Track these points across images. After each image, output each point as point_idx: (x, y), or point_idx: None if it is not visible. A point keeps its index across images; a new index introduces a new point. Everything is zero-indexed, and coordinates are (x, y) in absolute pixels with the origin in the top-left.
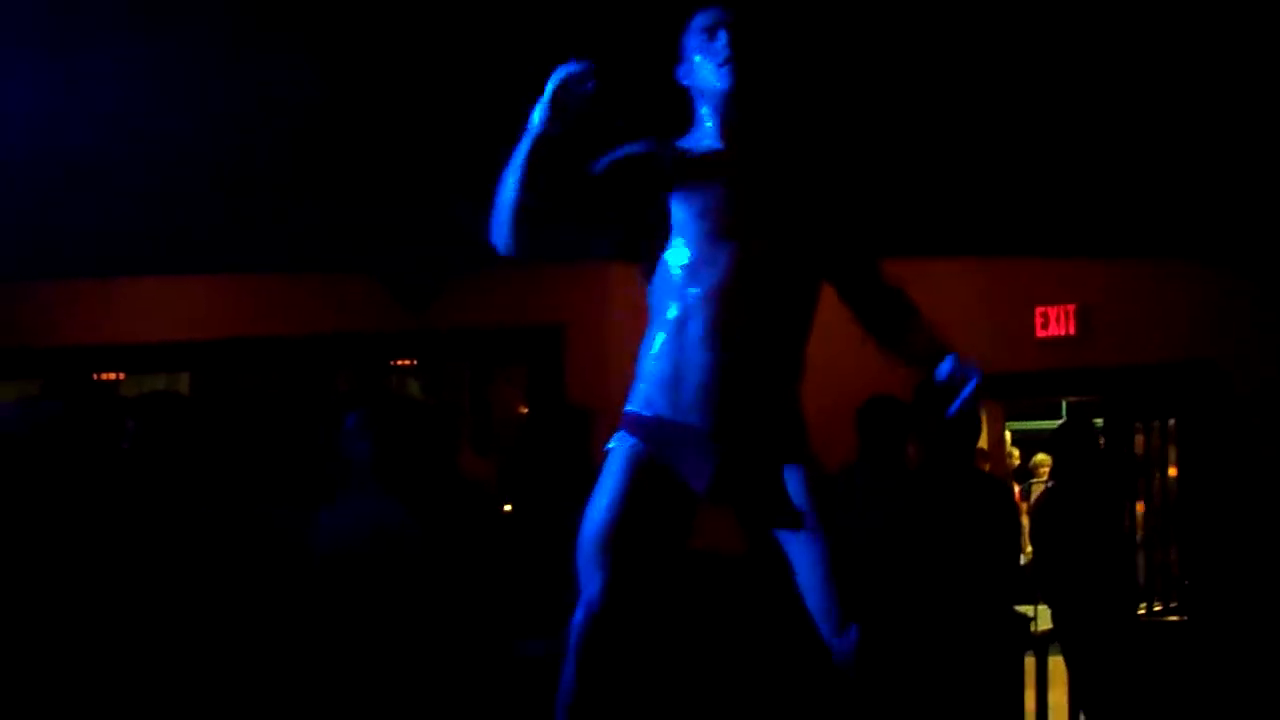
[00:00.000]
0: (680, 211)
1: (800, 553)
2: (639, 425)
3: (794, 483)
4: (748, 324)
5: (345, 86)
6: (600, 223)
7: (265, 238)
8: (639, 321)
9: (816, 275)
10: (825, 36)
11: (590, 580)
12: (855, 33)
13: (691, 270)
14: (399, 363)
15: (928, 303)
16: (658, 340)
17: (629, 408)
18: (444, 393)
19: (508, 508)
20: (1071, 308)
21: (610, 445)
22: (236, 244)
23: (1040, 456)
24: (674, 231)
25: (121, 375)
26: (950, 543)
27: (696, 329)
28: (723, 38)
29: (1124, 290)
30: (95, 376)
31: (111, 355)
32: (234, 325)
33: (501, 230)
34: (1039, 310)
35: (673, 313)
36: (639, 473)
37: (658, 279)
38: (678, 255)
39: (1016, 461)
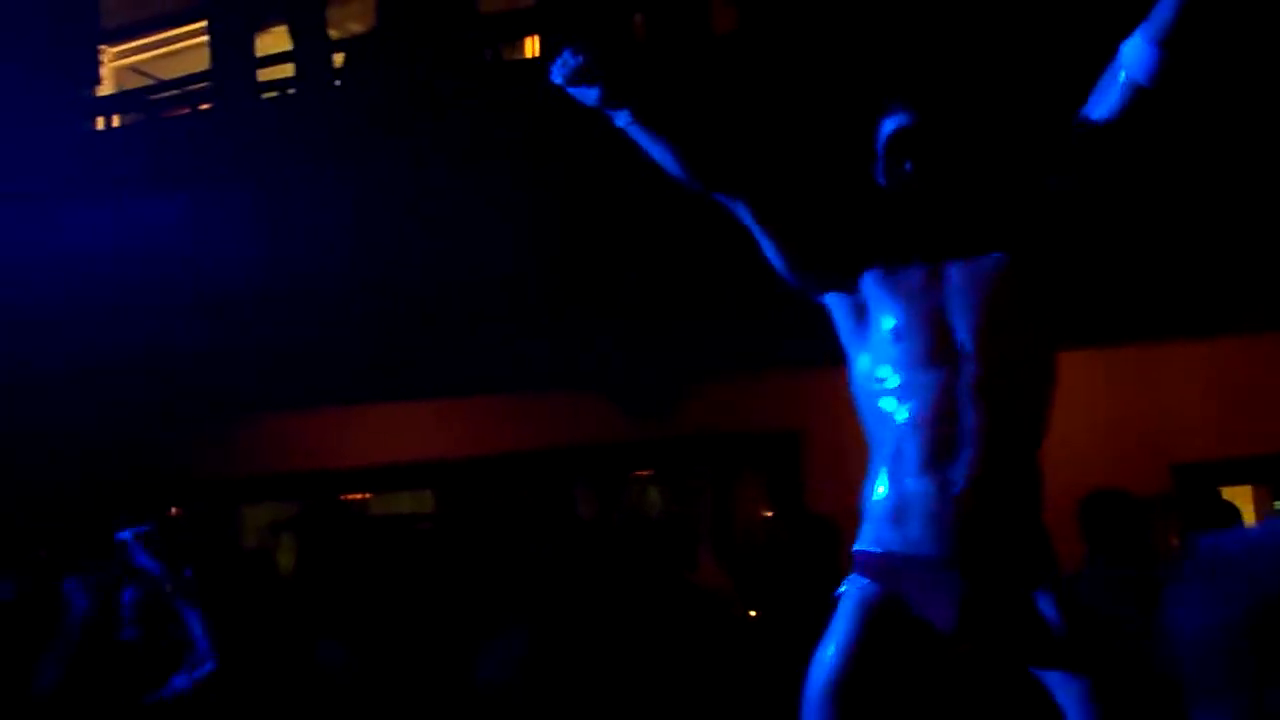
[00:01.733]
0: (876, 321)
1: (1066, 690)
2: (869, 564)
3: (1047, 609)
4: (971, 444)
5: (574, 209)
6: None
7: (500, 360)
8: None
9: (1047, 359)
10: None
11: None
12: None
13: (900, 395)
14: (639, 473)
15: (1184, 385)
16: (879, 474)
17: (857, 546)
18: (685, 502)
19: (752, 614)
20: None
21: (840, 589)
22: (472, 367)
23: None
24: (869, 340)
25: (368, 495)
26: (1211, 653)
27: (914, 456)
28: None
29: None
30: (342, 498)
31: (357, 477)
32: (473, 444)
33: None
34: None
35: (888, 444)
36: (872, 616)
37: (863, 402)
38: (880, 376)
39: None
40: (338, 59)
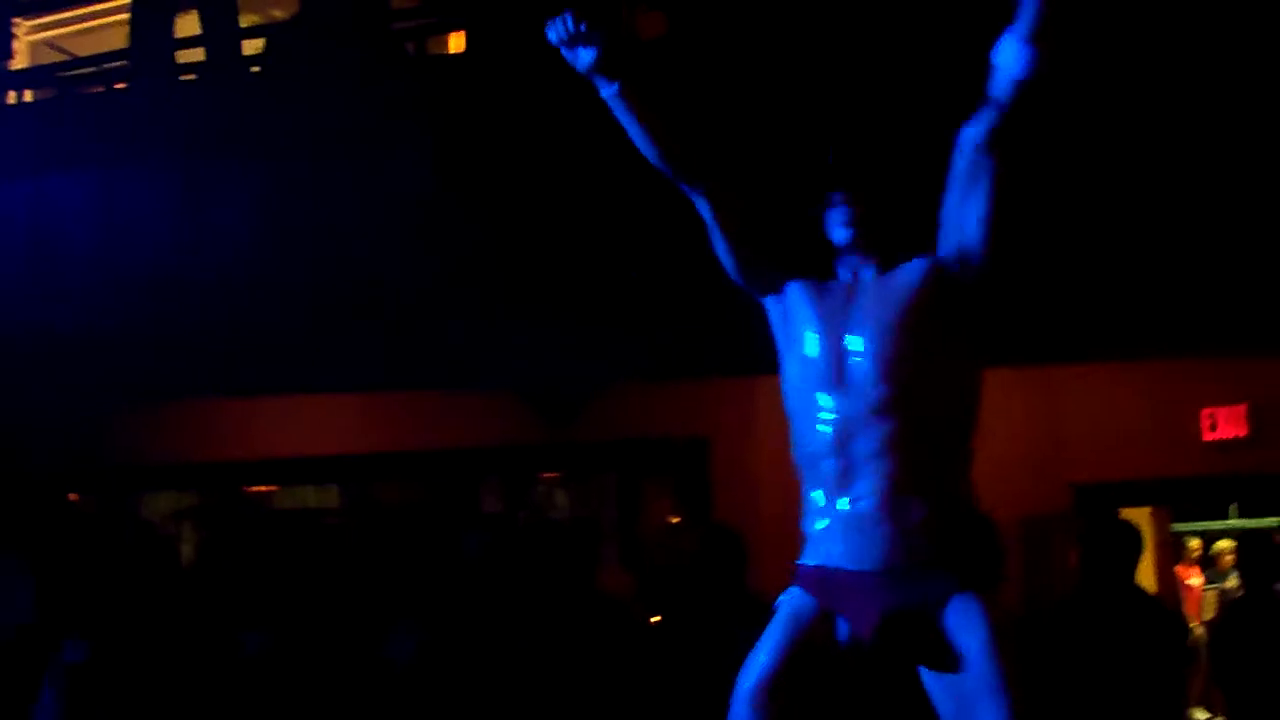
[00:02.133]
0: (799, 338)
1: (975, 709)
2: (804, 577)
3: (966, 624)
4: (871, 466)
5: (490, 210)
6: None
7: (410, 357)
8: (786, 435)
9: (960, 376)
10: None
11: None
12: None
13: (815, 414)
14: (546, 475)
15: (1088, 407)
16: (810, 491)
17: (798, 560)
18: (591, 505)
19: (655, 619)
20: (1242, 408)
21: (779, 600)
22: (382, 363)
23: (1221, 544)
24: (795, 352)
25: (274, 488)
26: (1106, 676)
27: (829, 475)
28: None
29: None
30: (245, 489)
31: (262, 469)
32: (381, 440)
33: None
34: (1206, 412)
35: (810, 460)
36: (802, 627)
37: (790, 411)
38: (802, 392)
39: (1197, 551)
40: (258, 44)
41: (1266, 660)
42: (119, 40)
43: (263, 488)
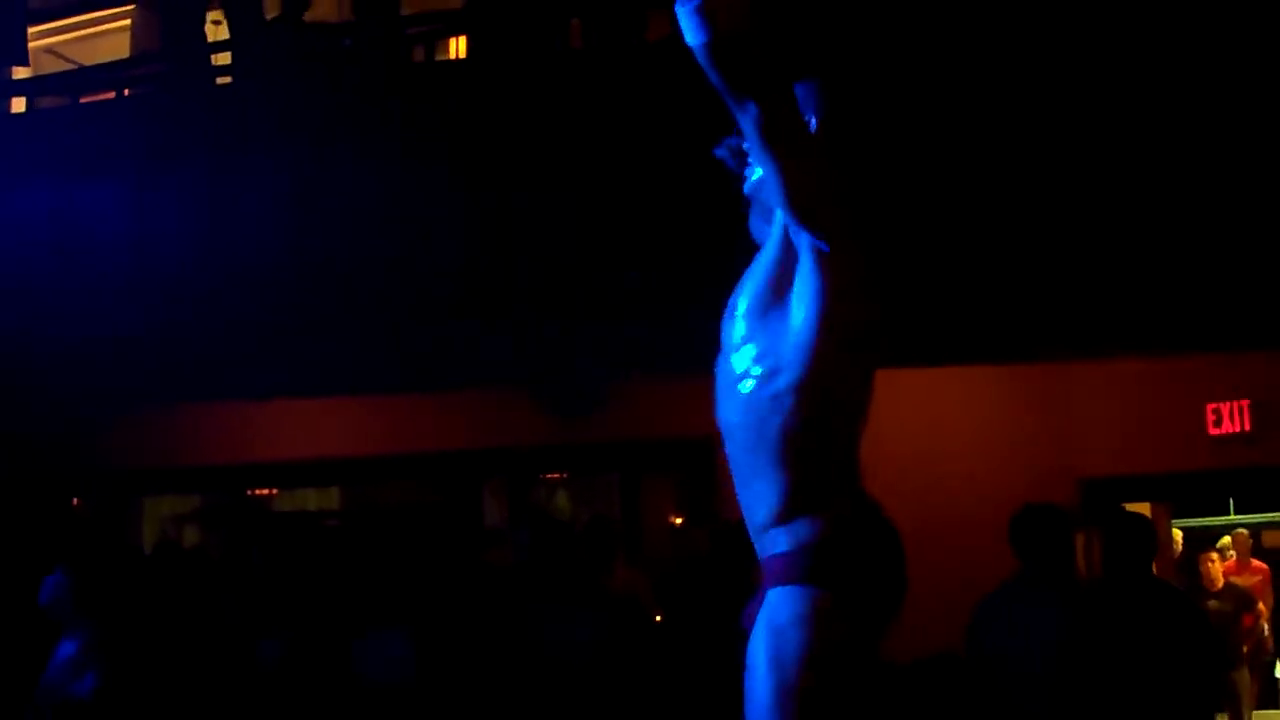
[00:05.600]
0: None
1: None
2: None
3: (760, 616)
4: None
5: (499, 210)
6: None
7: (413, 359)
8: None
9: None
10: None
11: None
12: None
13: None
14: (548, 475)
15: (1093, 402)
16: None
17: None
18: (594, 505)
19: (658, 618)
20: (1245, 403)
21: None
22: (385, 365)
23: (1225, 540)
24: None
25: (274, 491)
26: (1132, 665)
27: None
28: None
29: None
30: (249, 493)
31: (266, 473)
32: (384, 442)
33: None
34: (1210, 407)
35: None
36: None
37: None
38: None
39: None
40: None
41: None
42: (117, 48)
43: (264, 490)
